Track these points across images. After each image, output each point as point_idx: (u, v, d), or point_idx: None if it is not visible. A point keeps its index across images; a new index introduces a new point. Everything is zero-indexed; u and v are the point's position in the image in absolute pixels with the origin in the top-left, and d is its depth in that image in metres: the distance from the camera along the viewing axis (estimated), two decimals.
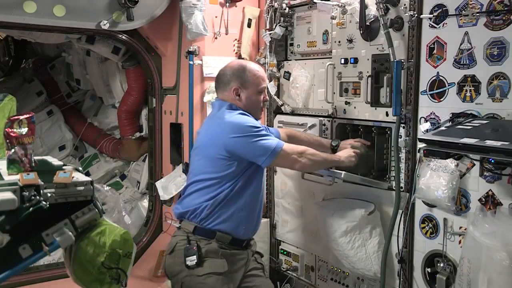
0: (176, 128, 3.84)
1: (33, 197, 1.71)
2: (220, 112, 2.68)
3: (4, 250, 1.69)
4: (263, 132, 2.59)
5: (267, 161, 2.57)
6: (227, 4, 3.58)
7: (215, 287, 2.53)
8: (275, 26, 3.42)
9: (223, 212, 2.60)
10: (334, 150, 2.94)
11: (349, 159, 2.77)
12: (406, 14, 2.56)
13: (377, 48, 2.77)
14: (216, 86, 2.81)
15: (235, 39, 3.69)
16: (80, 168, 2.11)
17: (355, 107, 2.95)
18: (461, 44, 2.35)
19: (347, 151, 2.82)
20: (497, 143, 1.91)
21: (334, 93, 3.08)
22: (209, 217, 2.61)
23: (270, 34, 3.45)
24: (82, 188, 1.86)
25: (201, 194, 2.62)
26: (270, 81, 3.53)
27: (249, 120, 2.63)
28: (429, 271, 2.56)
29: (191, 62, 3.53)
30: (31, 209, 1.70)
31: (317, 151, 2.75)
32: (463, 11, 2.33)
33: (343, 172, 2.73)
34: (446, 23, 2.42)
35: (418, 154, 2.53)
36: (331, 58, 3.09)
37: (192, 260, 2.56)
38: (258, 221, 2.78)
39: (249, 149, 2.55)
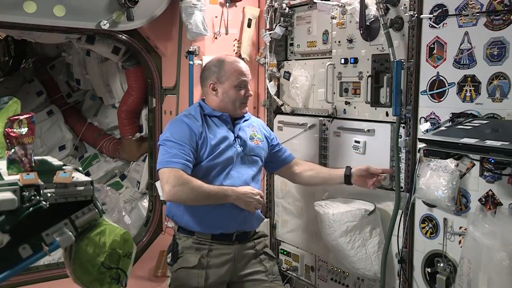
0: None
1: (33, 197, 1.71)
2: None
3: (4, 250, 1.69)
4: (177, 148, 2.50)
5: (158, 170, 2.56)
6: (227, 4, 3.58)
7: (185, 282, 2.56)
8: (275, 26, 3.42)
9: (183, 210, 2.61)
10: (348, 179, 2.78)
11: (246, 202, 2.57)
12: (406, 14, 2.56)
13: (377, 48, 2.77)
14: (200, 83, 2.84)
15: (235, 39, 3.69)
16: (80, 168, 2.10)
17: (355, 107, 2.95)
18: (461, 44, 2.35)
19: (251, 190, 2.59)
20: (497, 143, 1.91)
21: (334, 93, 3.08)
22: (176, 217, 2.66)
23: (270, 34, 3.45)
24: (82, 188, 1.86)
25: None
26: (270, 81, 3.53)
27: (175, 129, 2.59)
28: (429, 271, 2.56)
29: (191, 62, 3.53)
30: (31, 209, 1.70)
31: (205, 184, 2.50)
32: (463, 11, 2.33)
33: None
34: (446, 23, 2.42)
35: (418, 154, 2.53)
36: (331, 58, 3.09)
37: (169, 257, 2.66)
38: (242, 212, 2.61)
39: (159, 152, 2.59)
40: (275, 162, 2.94)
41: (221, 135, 2.65)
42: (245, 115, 2.83)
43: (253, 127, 2.83)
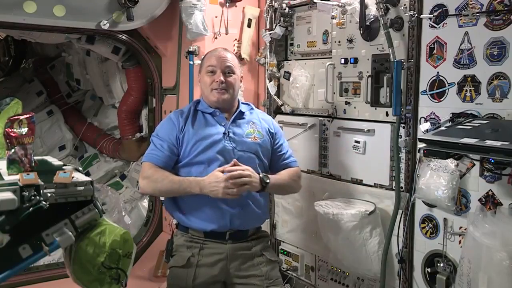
0: None
1: (33, 197, 1.71)
2: None
3: (4, 250, 1.69)
4: (157, 143, 2.62)
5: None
6: (227, 4, 3.58)
7: (174, 281, 2.60)
8: (275, 26, 3.42)
9: (176, 204, 2.62)
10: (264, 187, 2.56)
11: (211, 192, 2.42)
12: (406, 14, 2.56)
13: (377, 48, 2.77)
14: None
15: (235, 39, 3.69)
16: (80, 168, 2.10)
17: (355, 107, 2.95)
18: (461, 44, 2.35)
19: (215, 179, 2.42)
20: (497, 143, 1.91)
21: (334, 93, 3.08)
22: (170, 210, 2.68)
23: (270, 34, 3.45)
24: (82, 188, 1.85)
25: None
26: (270, 81, 3.53)
27: (161, 125, 2.71)
28: (429, 271, 2.56)
29: (191, 62, 3.53)
30: (31, 209, 1.69)
31: (170, 176, 2.53)
32: (463, 11, 2.33)
33: None
34: (446, 23, 2.42)
35: (418, 154, 2.53)
36: (331, 58, 3.10)
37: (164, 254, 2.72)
38: (232, 209, 2.51)
39: None
40: (275, 165, 2.79)
41: (207, 132, 2.59)
42: (243, 110, 2.72)
43: (254, 124, 2.70)
